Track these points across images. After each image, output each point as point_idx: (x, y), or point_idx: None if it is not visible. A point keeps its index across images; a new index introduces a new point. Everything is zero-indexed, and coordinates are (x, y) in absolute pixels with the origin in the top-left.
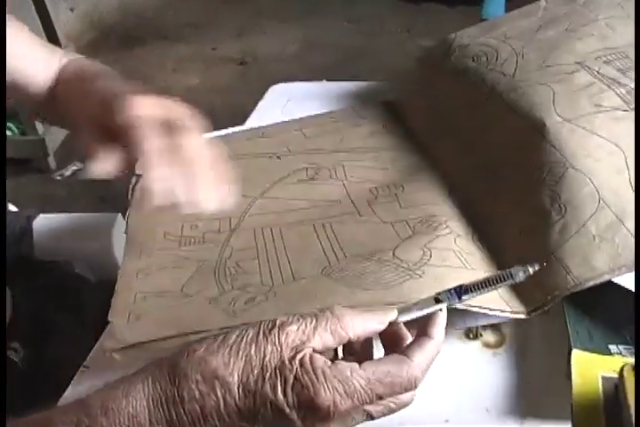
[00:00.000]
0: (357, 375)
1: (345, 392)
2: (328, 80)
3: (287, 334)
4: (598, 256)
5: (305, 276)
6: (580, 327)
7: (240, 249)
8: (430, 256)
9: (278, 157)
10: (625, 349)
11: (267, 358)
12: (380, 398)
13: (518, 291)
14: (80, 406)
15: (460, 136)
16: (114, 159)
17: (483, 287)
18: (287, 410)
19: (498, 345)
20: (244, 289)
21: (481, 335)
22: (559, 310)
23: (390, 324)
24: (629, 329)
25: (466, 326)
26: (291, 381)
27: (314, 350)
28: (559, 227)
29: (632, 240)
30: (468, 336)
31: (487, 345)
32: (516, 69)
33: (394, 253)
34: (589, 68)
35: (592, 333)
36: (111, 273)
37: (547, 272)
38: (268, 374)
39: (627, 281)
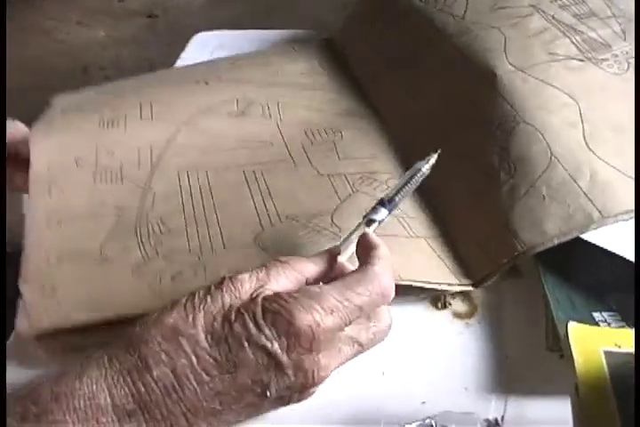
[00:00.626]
0: (328, 290)
1: (322, 308)
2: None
3: (241, 282)
4: (549, 219)
5: (236, 244)
6: (559, 294)
7: (163, 199)
8: None
9: (206, 82)
10: (610, 316)
11: (226, 306)
12: (359, 313)
13: (466, 262)
14: (27, 395)
15: (404, 82)
16: None
17: (400, 190)
18: (268, 344)
19: (469, 315)
20: (169, 258)
21: (450, 304)
22: (532, 273)
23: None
24: (613, 295)
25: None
26: (259, 313)
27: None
28: (508, 188)
29: (585, 200)
30: (435, 306)
31: (458, 315)
32: (466, 10)
33: (332, 220)
34: (544, 11)
35: (574, 300)
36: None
37: (493, 239)
38: (232, 315)
39: (606, 241)
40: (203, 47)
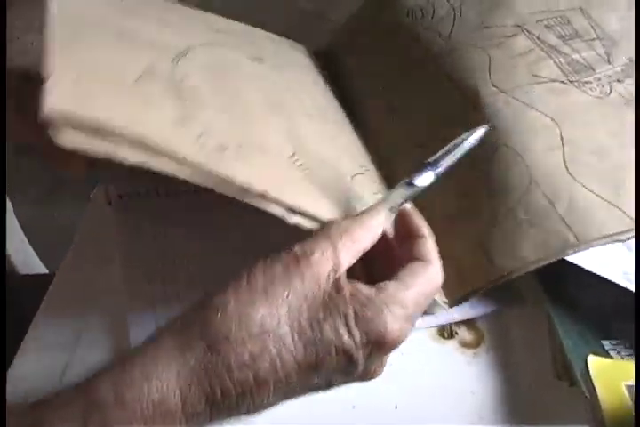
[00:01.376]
0: (408, 295)
1: (406, 318)
2: None
3: (314, 264)
4: (525, 244)
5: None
6: (567, 322)
7: (198, 70)
8: None
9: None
10: (618, 344)
11: (308, 296)
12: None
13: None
14: (83, 397)
15: (389, 101)
16: None
17: (445, 155)
18: (355, 353)
19: (476, 344)
20: (208, 127)
21: (456, 334)
22: (535, 300)
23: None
24: (616, 323)
25: (438, 322)
26: (352, 316)
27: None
28: (488, 211)
29: (562, 225)
30: (442, 336)
31: (465, 345)
32: (452, 30)
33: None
34: (529, 32)
35: (581, 328)
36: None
37: (470, 262)
38: (321, 315)
39: (608, 272)
40: None
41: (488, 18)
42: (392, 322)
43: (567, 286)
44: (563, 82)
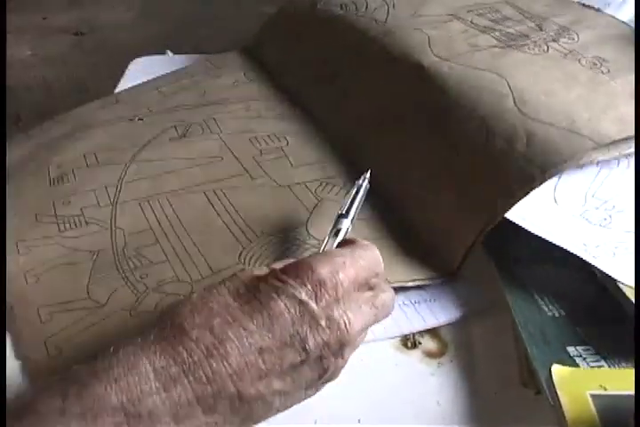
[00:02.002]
0: (334, 253)
1: (336, 262)
2: (171, 49)
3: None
4: (496, 188)
5: (222, 266)
6: (532, 328)
7: (133, 232)
8: None
9: (140, 118)
10: (584, 351)
11: (245, 280)
12: (366, 273)
13: (435, 252)
14: (63, 378)
15: (334, 84)
16: None
17: (351, 204)
18: (296, 292)
19: (440, 354)
20: (160, 289)
21: (420, 343)
22: (500, 305)
23: None
24: (583, 328)
25: (401, 331)
26: (279, 271)
27: None
28: (457, 169)
29: (524, 161)
30: (405, 345)
31: (429, 354)
32: (387, 17)
33: (308, 232)
34: (462, 19)
35: (546, 333)
36: None
37: (453, 224)
38: (254, 281)
39: (569, 245)
40: (140, 74)
41: (421, 9)
42: (319, 262)
43: (532, 292)
44: (501, 47)
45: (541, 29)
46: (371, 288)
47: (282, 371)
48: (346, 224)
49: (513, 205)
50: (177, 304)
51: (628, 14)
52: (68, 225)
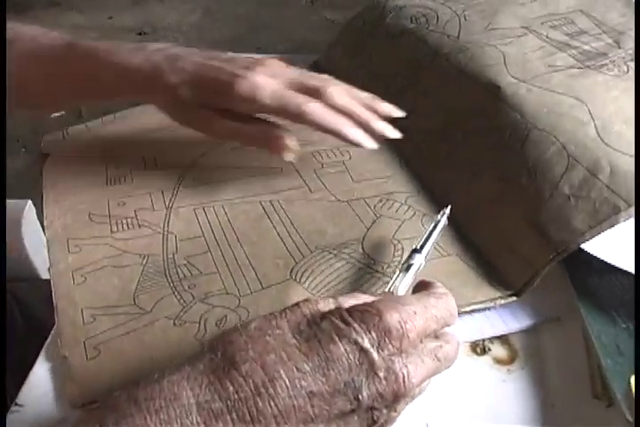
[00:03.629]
0: (407, 298)
1: (406, 310)
2: (233, 52)
3: (316, 302)
4: (576, 216)
5: (273, 282)
6: (605, 339)
7: (185, 238)
8: (402, 250)
9: None
10: None
11: (307, 315)
12: (436, 324)
13: (503, 272)
14: (103, 406)
15: (402, 98)
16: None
17: (427, 239)
18: (359, 338)
19: (510, 361)
20: (206, 301)
21: (489, 350)
22: (572, 314)
23: None
24: None
25: (470, 337)
26: (345, 313)
27: None
28: (532, 192)
29: (608, 193)
30: (475, 351)
31: (499, 361)
32: (459, 31)
33: (363, 249)
34: (537, 32)
35: (619, 344)
36: (23, 274)
37: (525, 244)
38: (318, 318)
39: None
40: None
41: (493, 21)
42: (387, 309)
43: (605, 303)
44: (579, 67)
45: (619, 47)
46: (436, 337)
47: (329, 418)
48: (418, 260)
49: (594, 236)
50: (233, 331)
51: None
52: (120, 226)
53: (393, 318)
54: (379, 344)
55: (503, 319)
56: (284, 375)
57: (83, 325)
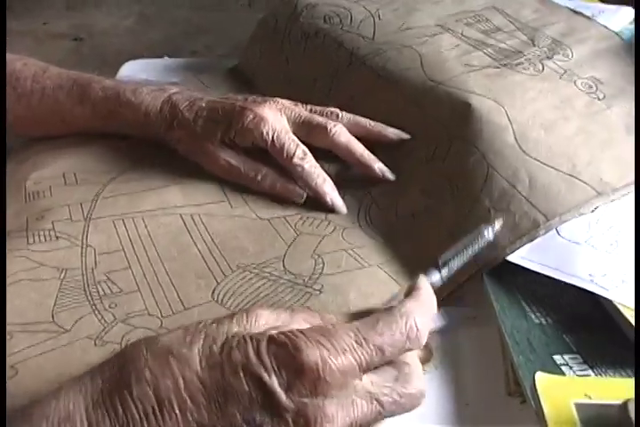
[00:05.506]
0: (343, 328)
1: (333, 346)
2: (169, 56)
3: (257, 316)
4: (497, 230)
5: (195, 303)
6: (518, 336)
7: (105, 252)
8: (323, 264)
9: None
10: (571, 359)
11: (231, 333)
12: (380, 357)
13: None
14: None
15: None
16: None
17: (457, 255)
18: (265, 375)
19: (425, 361)
20: (128, 322)
21: None
22: (486, 313)
23: None
24: (571, 336)
25: None
26: (264, 343)
27: None
28: (454, 206)
29: (528, 206)
30: None
31: None
32: (374, 32)
33: (284, 267)
34: (452, 30)
35: (532, 342)
36: None
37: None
38: (234, 342)
39: (574, 278)
40: (131, 76)
41: (408, 20)
42: (307, 346)
43: (519, 299)
44: (496, 67)
45: (534, 44)
46: (394, 378)
47: None
48: (433, 278)
49: (515, 250)
50: (139, 345)
51: (619, 23)
52: (37, 238)
53: (310, 357)
54: (288, 385)
55: None
56: (175, 405)
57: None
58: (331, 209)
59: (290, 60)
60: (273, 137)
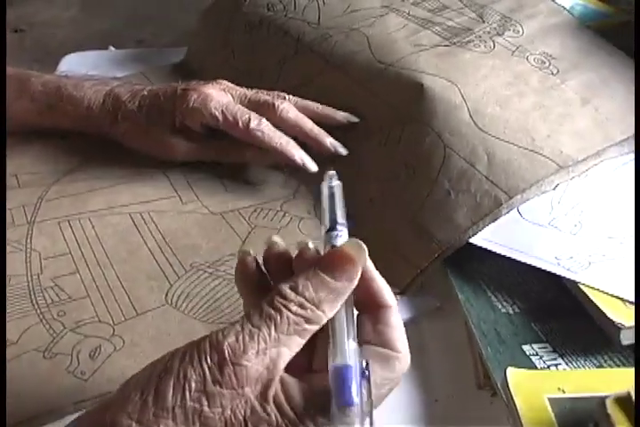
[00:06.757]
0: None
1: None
2: (115, 46)
3: (247, 377)
4: (458, 212)
5: (148, 307)
6: (485, 327)
7: (51, 256)
8: None
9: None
10: (540, 349)
11: (227, 413)
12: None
13: (387, 271)
14: None
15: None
16: None
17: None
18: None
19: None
20: (78, 330)
21: None
22: (453, 304)
23: None
24: (540, 324)
25: None
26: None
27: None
28: (411, 190)
29: (488, 184)
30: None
31: None
32: (319, 16)
33: None
34: (398, 10)
35: (500, 332)
36: None
37: (410, 244)
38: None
39: (540, 260)
40: (72, 70)
41: (354, 2)
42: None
43: (484, 288)
44: (446, 45)
45: (483, 21)
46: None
47: None
48: (344, 236)
49: (478, 231)
50: (120, 393)
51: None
52: None
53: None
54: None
55: None
56: None
57: None
58: (302, 168)
59: (236, 52)
60: (222, 110)
